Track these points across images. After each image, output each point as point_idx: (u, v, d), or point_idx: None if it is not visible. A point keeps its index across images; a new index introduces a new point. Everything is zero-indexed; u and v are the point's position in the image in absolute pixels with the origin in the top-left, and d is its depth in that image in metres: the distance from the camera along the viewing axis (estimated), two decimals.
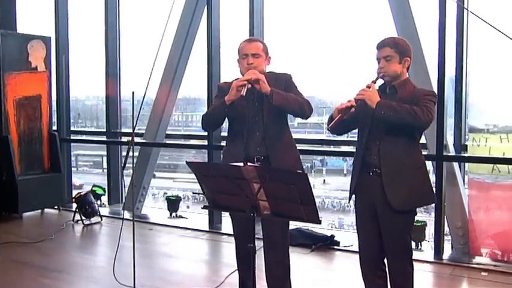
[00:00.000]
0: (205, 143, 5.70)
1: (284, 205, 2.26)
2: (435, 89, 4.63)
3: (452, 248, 4.83)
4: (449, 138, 4.75)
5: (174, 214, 6.26)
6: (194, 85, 6.46)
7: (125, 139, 6.59)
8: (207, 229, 5.59)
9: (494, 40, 4.38)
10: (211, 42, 5.65)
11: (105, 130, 6.75)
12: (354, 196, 3.10)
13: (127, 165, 3.99)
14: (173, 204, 6.26)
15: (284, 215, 2.32)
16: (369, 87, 2.94)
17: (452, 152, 4.73)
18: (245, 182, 2.20)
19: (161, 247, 5.08)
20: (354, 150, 3.21)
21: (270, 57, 3.30)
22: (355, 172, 3.09)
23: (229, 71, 5.92)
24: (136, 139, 6.63)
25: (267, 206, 2.30)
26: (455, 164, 4.74)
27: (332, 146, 5.91)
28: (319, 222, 2.28)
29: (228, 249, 5.01)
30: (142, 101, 3.91)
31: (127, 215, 6.24)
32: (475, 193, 4.65)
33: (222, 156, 3.44)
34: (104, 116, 6.72)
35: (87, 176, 14.07)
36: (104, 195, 6.65)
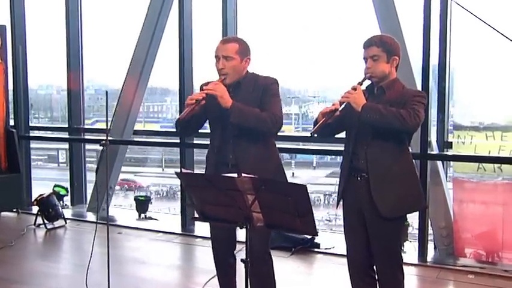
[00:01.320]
0: (177, 140, 5.61)
1: (279, 217, 2.23)
2: (418, 85, 4.70)
3: (435, 248, 4.90)
4: (432, 135, 4.81)
5: (143, 215, 6.16)
6: (164, 75, 6.32)
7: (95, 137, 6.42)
8: (180, 232, 5.50)
9: (480, 36, 4.48)
10: (182, 33, 5.54)
11: (66, 126, 6.57)
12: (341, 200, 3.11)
13: (90, 165, 3.88)
14: (142, 204, 6.15)
15: (279, 226, 2.29)
16: (354, 89, 2.92)
17: (435, 150, 4.78)
18: (239, 194, 2.16)
19: (132, 252, 4.97)
20: (322, 145, 3.21)
21: (249, 59, 3.16)
22: (343, 176, 3.08)
23: (202, 64, 5.86)
24: (100, 136, 6.51)
25: (260, 217, 2.26)
26: (439, 162, 4.80)
27: (301, 143, 5.90)
28: (316, 234, 2.26)
29: (203, 253, 4.96)
30: (107, 99, 3.70)
31: (91, 217, 6.11)
32: (459, 192, 4.72)
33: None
34: (60, 107, 6.54)
35: (41, 172, 13.71)
36: (67, 195, 6.48)
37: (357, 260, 3.10)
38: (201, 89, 3.28)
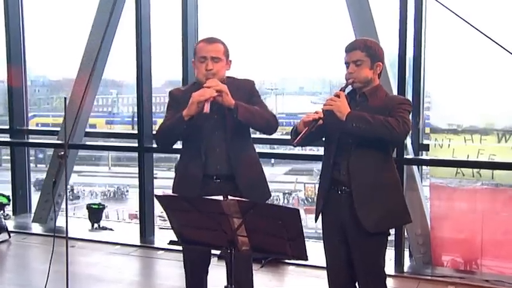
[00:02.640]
0: (136, 144, 5.51)
1: (267, 240, 2.22)
2: (394, 85, 4.78)
3: (410, 256, 5.00)
4: (407, 138, 4.89)
5: (96, 225, 6.04)
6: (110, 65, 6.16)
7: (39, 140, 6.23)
8: (139, 243, 5.44)
9: (458, 35, 4.57)
10: (140, 27, 5.44)
11: (8, 127, 6.34)
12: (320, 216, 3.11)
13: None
14: (96, 213, 6.04)
15: (265, 250, 2.28)
16: (337, 96, 2.92)
17: (411, 153, 4.87)
18: (224, 217, 2.13)
19: (88, 269, 4.84)
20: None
21: (230, 61, 3.19)
22: (322, 190, 3.09)
23: (161, 59, 5.78)
24: (46, 139, 6.33)
25: (246, 241, 2.24)
26: (415, 167, 4.89)
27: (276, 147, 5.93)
28: (306, 258, 2.25)
29: (166, 267, 4.91)
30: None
31: (37, 228, 5.95)
32: (436, 198, 4.83)
33: (175, 172, 3.33)
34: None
35: None
36: (9, 204, 6.27)
37: (338, 279, 3.10)
38: (171, 95, 3.24)
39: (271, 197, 3.37)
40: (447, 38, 4.70)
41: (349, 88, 3.07)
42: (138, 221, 5.70)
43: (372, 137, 2.84)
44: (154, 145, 5.48)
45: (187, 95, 3.06)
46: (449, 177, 4.76)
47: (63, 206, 6.14)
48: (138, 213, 5.58)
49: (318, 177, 3.24)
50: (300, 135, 2.91)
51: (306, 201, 21.59)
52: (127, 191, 22.21)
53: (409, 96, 4.79)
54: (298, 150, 5.01)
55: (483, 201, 4.68)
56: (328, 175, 3.03)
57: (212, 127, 3.11)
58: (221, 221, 2.16)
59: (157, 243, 5.42)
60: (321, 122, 2.91)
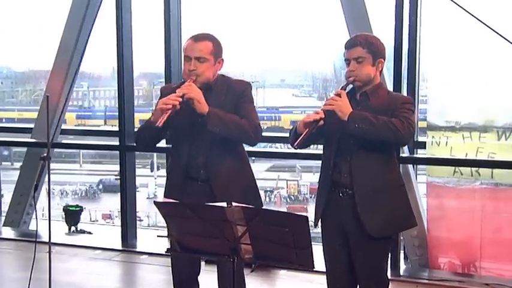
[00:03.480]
0: (117, 142, 5.45)
1: (271, 248, 2.21)
2: (388, 80, 4.79)
3: (406, 259, 5.03)
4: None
5: (73, 228, 5.97)
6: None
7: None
8: (120, 247, 5.39)
9: (457, 30, 4.61)
10: (121, 17, 5.36)
11: None
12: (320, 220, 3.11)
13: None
14: (73, 215, 5.97)
15: (269, 258, 2.27)
16: (338, 95, 2.92)
17: (406, 151, 4.89)
18: (227, 224, 2.12)
19: (68, 276, 4.76)
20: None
21: (222, 60, 3.13)
22: (322, 193, 3.08)
23: (144, 53, 5.72)
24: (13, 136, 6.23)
25: (249, 249, 2.23)
26: (410, 165, 4.92)
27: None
28: (313, 266, 2.25)
29: (150, 272, 4.88)
30: None
31: (9, 233, 5.85)
32: (434, 198, 4.86)
33: (166, 173, 3.32)
34: None
35: None
36: None
37: (340, 284, 3.11)
38: (161, 93, 3.21)
39: None
40: (444, 29, 4.70)
41: (349, 87, 3.06)
42: (112, 222, 5.64)
43: (375, 139, 2.84)
44: None
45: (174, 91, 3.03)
46: (447, 176, 4.79)
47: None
48: (111, 213, 5.53)
49: (318, 178, 3.22)
50: (301, 137, 2.88)
51: (288, 199, 21.69)
52: (100, 190, 22.12)
53: (404, 92, 4.82)
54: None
55: (482, 201, 4.70)
56: (329, 177, 3.02)
57: (196, 130, 3.07)
58: (224, 228, 2.14)
59: (140, 247, 5.38)
60: (322, 122, 2.89)
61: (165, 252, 2.36)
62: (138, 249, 5.34)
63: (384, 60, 3.02)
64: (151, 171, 20.25)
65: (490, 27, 3.73)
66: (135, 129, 5.39)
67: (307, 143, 3.08)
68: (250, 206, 2.09)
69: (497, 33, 3.81)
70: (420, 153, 4.90)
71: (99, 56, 5.49)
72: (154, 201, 2.21)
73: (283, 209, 18.98)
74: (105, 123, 22.87)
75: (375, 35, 3.09)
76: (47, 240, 5.51)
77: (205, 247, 2.26)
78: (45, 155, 3.10)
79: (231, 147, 3.13)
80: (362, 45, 2.95)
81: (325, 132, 3.03)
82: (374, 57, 2.97)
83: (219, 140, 3.03)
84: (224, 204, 2.11)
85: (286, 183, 22.47)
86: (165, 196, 3.24)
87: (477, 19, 3.74)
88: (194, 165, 3.09)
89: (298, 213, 2.02)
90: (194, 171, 3.09)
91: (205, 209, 2.15)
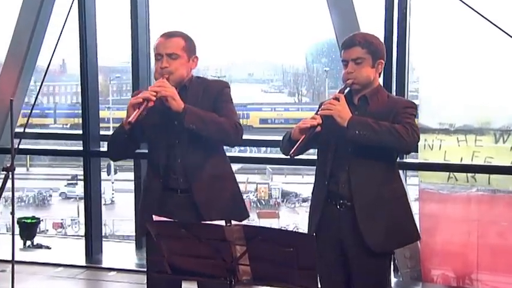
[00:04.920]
0: (80, 147, 5.38)
1: (272, 269, 2.20)
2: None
3: (396, 272, 5.07)
4: None
5: (29, 243, 5.87)
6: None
7: None
8: (84, 263, 5.32)
9: (448, 22, 4.67)
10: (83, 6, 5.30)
11: None
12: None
13: None
14: (29, 229, 5.87)
15: (270, 279, 2.26)
16: (337, 99, 2.92)
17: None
18: (225, 244, 2.11)
19: None
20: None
21: (196, 58, 3.14)
22: (317, 205, 3.08)
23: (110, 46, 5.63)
24: None
25: (248, 270, 2.22)
26: (400, 171, 4.96)
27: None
28: (317, 287, 2.26)
29: None
30: None
31: None
32: (427, 206, 4.92)
33: (142, 187, 3.29)
34: None
35: None
36: None
37: None
38: (132, 95, 3.19)
39: None
40: (437, 24, 4.75)
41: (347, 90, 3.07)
42: (64, 231, 5.58)
43: (377, 146, 2.86)
44: (103, 148, 5.36)
45: None
46: (441, 182, 4.85)
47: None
48: (63, 221, 5.46)
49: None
50: (297, 145, 2.87)
51: (258, 204, 21.66)
52: (50, 196, 21.79)
53: (393, 92, 4.88)
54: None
55: (479, 209, 4.77)
56: (325, 187, 3.03)
57: (172, 135, 3.06)
58: (221, 248, 2.13)
59: (106, 263, 5.32)
60: (319, 128, 2.90)
61: (155, 273, 2.32)
62: (104, 265, 5.29)
63: (384, 61, 3.05)
64: (108, 174, 20.03)
65: (488, 20, 3.76)
66: (101, 132, 5.40)
67: (302, 150, 3.09)
68: (251, 225, 2.09)
69: (496, 26, 3.84)
70: (412, 158, 4.95)
71: (48, 48, 5.34)
72: (146, 221, 2.18)
73: (253, 215, 19.02)
74: (55, 122, 22.54)
75: (373, 34, 3.10)
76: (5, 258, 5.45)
77: (200, 269, 2.24)
78: (9, 165, 3.03)
79: (211, 150, 3.12)
80: (361, 45, 2.96)
81: (320, 138, 3.04)
82: (374, 58, 2.98)
83: (198, 142, 3.03)
84: (222, 222, 2.10)
85: (256, 186, 22.44)
86: (141, 210, 3.22)
87: (474, 10, 3.78)
88: (172, 173, 3.08)
89: (304, 232, 2.02)
90: (172, 181, 3.08)
91: (202, 228, 2.13)
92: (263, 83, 25.67)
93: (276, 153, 5.72)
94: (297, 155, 3.02)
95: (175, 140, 3.06)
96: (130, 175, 5.65)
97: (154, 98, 2.89)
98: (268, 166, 19.89)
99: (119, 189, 20.02)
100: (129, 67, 5.57)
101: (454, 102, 4.82)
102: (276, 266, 2.19)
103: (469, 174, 4.74)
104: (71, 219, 21.94)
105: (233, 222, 2.09)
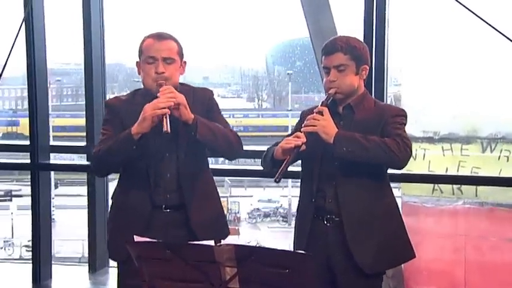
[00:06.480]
0: (27, 160, 5.28)
1: None
2: None
3: None
4: None
5: None
6: None
7: None
8: None
9: (431, 22, 4.76)
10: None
11: None
12: None
13: None
14: None
15: None
16: (320, 113, 2.94)
17: None
18: (214, 266, 2.10)
19: None
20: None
21: (185, 62, 3.18)
22: (304, 222, 3.11)
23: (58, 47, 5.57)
24: None
25: None
26: None
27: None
28: None
29: None
30: None
31: None
32: (410, 221, 4.95)
33: (112, 203, 3.27)
34: None
35: None
36: None
37: None
38: (110, 107, 3.18)
39: None
40: (420, 29, 4.83)
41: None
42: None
43: (366, 162, 2.89)
44: (52, 161, 5.29)
45: (131, 106, 3.04)
46: (425, 194, 4.92)
47: None
48: None
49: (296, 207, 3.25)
50: (281, 168, 2.87)
51: None
52: None
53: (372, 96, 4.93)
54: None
55: (466, 223, 4.86)
56: (311, 204, 3.05)
57: (162, 147, 3.07)
58: (209, 270, 2.12)
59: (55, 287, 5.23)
60: (303, 147, 2.91)
61: None
62: None
63: (369, 66, 3.08)
64: None
65: (479, 17, 3.82)
66: (50, 143, 5.32)
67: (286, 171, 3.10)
68: (243, 244, 2.09)
69: (488, 23, 3.91)
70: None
71: None
72: (126, 242, 2.15)
73: None
74: None
75: (356, 38, 3.13)
76: None
77: None
78: None
79: (203, 164, 3.19)
80: (343, 50, 2.99)
81: (304, 152, 3.05)
82: (357, 64, 3.02)
83: (193, 155, 3.08)
84: (211, 242, 2.09)
85: None
86: (117, 230, 3.18)
87: (471, 11, 3.85)
88: (161, 188, 3.08)
89: (301, 252, 2.03)
90: (161, 196, 3.09)
91: (189, 249, 2.12)
92: (220, 87, 25.66)
93: (238, 165, 5.74)
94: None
95: (165, 152, 3.08)
96: (73, 190, 5.60)
97: (173, 105, 2.90)
98: (226, 178, 19.86)
99: (60, 206, 19.65)
100: (70, 69, 5.52)
101: (439, 108, 4.90)
102: None
103: (455, 186, 4.81)
104: (4, 241, 21.54)
105: (223, 241, 2.09)
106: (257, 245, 2.04)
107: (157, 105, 2.90)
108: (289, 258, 2.10)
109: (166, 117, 2.88)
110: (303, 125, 2.96)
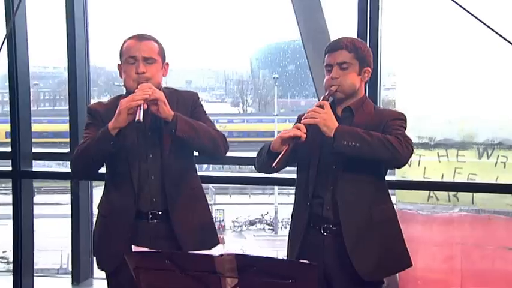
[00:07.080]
0: (9, 167, 5.25)
1: None
2: None
3: None
4: None
5: None
6: None
7: None
8: None
9: (426, 25, 4.79)
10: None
11: None
12: None
13: None
14: None
15: None
16: (321, 106, 2.98)
17: None
18: (214, 277, 2.11)
19: None
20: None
21: (167, 64, 3.23)
22: (298, 230, 3.13)
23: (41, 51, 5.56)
24: None
25: None
26: None
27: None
28: None
29: None
30: None
31: None
32: (405, 229, 4.94)
33: (99, 210, 3.26)
34: None
35: None
36: None
37: None
38: (91, 112, 3.20)
39: None
40: (416, 33, 4.86)
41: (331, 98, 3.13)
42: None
43: (369, 159, 2.91)
44: (35, 168, 5.27)
45: (113, 111, 3.03)
46: (420, 202, 4.94)
47: None
48: None
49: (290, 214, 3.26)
50: (280, 156, 2.90)
51: None
52: None
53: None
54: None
55: (462, 231, 4.88)
56: (306, 209, 3.07)
57: (146, 148, 3.10)
58: (210, 282, 2.13)
59: None
60: (303, 138, 2.93)
61: None
62: None
63: (371, 69, 3.12)
64: None
65: (477, 18, 3.85)
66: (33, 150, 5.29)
67: (283, 164, 3.12)
68: (245, 254, 2.10)
69: (486, 24, 3.93)
70: (388, 175, 5.02)
71: None
72: (124, 254, 2.16)
73: None
74: None
75: (361, 40, 3.19)
76: None
77: None
78: None
79: (189, 166, 3.22)
80: (348, 48, 3.04)
81: (300, 153, 3.08)
82: (360, 64, 3.07)
83: (178, 157, 3.10)
84: (212, 252, 2.10)
85: None
86: (105, 239, 3.19)
87: (470, 13, 3.88)
88: (145, 192, 3.10)
89: (305, 262, 2.04)
90: (144, 202, 3.11)
91: (189, 259, 2.13)
92: (203, 92, 25.62)
93: (222, 171, 5.74)
94: (279, 170, 3.07)
95: (149, 153, 3.10)
96: (52, 198, 5.58)
97: (149, 97, 2.91)
98: (210, 185, 19.81)
99: (39, 215, 19.48)
100: (46, 73, 5.50)
101: (434, 113, 4.92)
102: None
103: (451, 193, 4.85)
104: None
105: (225, 251, 2.10)
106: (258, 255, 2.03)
107: (133, 97, 2.93)
108: (292, 267, 2.11)
109: (140, 108, 2.90)
110: (302, 118, 2.99)
